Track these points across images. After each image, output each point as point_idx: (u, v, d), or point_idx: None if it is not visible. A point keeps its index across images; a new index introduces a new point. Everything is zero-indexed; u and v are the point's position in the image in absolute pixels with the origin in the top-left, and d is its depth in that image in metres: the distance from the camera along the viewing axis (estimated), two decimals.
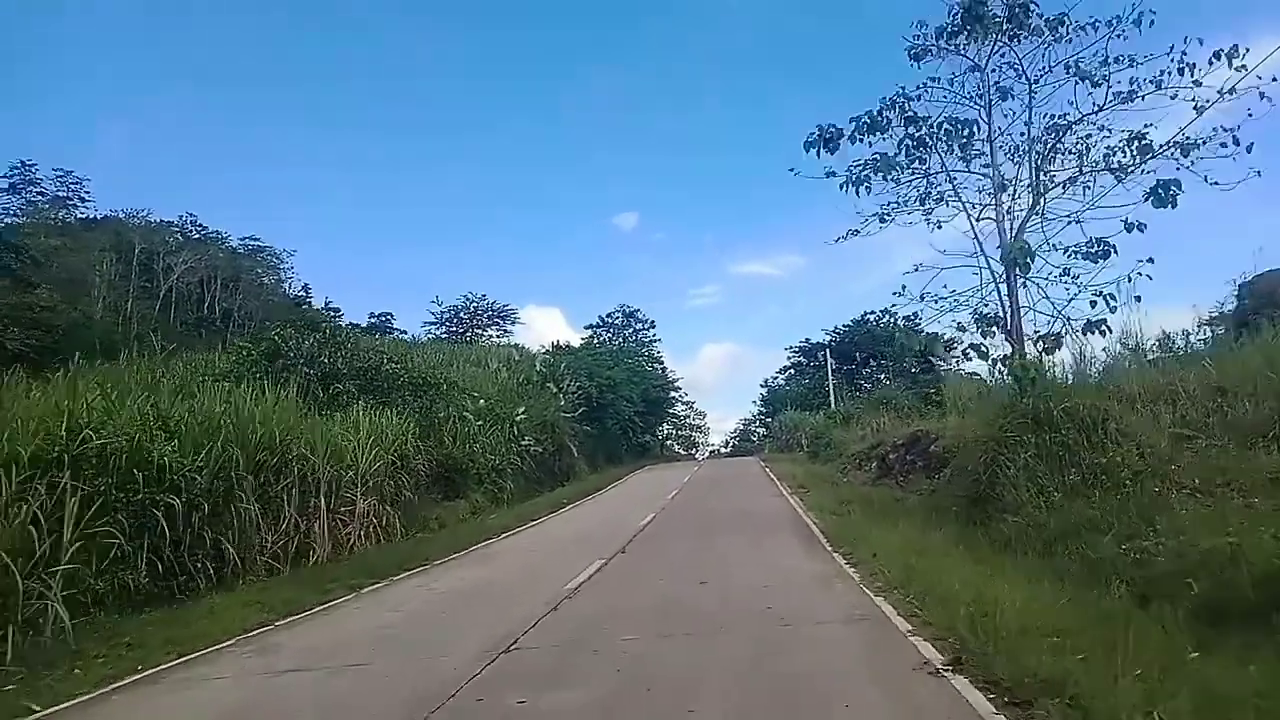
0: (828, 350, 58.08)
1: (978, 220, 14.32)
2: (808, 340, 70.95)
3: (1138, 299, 13.02)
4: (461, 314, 48.47)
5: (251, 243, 44.73)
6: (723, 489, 25.01)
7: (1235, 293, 18.73)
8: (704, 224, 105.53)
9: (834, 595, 8.71)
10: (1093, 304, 12.85)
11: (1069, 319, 13.19)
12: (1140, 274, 12.48)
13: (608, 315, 70.36)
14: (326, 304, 47.08)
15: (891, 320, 60.12)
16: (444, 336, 47.10)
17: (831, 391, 53.67)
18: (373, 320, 48.28)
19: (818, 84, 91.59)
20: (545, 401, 35.21)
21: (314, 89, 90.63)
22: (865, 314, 68.64)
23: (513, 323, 49.68)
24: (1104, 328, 12.92)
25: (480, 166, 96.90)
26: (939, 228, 14.88)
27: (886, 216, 14.90)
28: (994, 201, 14.23)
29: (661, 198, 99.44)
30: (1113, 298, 12.67)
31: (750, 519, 16.25)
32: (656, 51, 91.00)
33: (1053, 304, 13.43)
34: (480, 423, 28.62)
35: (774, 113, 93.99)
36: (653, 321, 71.78)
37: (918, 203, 14.88)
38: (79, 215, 40.50)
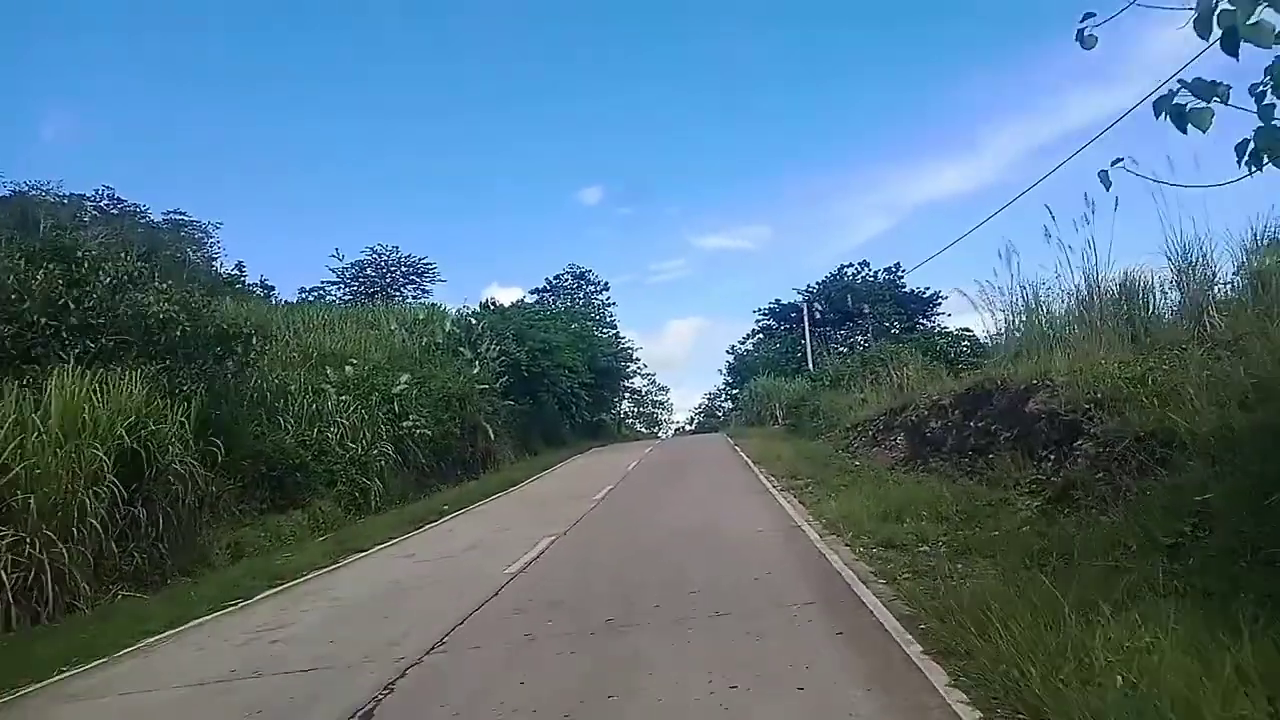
0: (806, 306, 50.59)
1: None
2: (778, 301, 63.66)
3: None
4: (368, 270, 40.29)
5: (175, 217, 36.53)
6: (678, 482, 17.38)
7: None
8: (669, 197, 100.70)
9: None
10: None
11: None
12: None
13: (555, 278, 62.31)
14: (261, 281, 38.79)
15: (872, 273, 51.95)
16: (345, 299, 38.76)
17: (809, 352, 46.35)
18: (241, 282, 39.39)
19: (777, 37, 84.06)
20: (452, 371, 27.26)
21: (293, 83, 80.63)
22: (842, 267, 61.82)
23: (433, 280, 41.66)
24: None
25: (430, 149, 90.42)
26: None
27: None
28: None
29: (626, 171, 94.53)
30: None
31: (723, 560, 8.50)
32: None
33: None
34: (345, 398, 20.76)
35: (737, 79, 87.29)
36: (606, 283, 63.85)
37: None
38: None
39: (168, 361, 14.89)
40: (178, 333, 14.75)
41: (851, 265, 61.00)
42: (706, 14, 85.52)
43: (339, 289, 40.30)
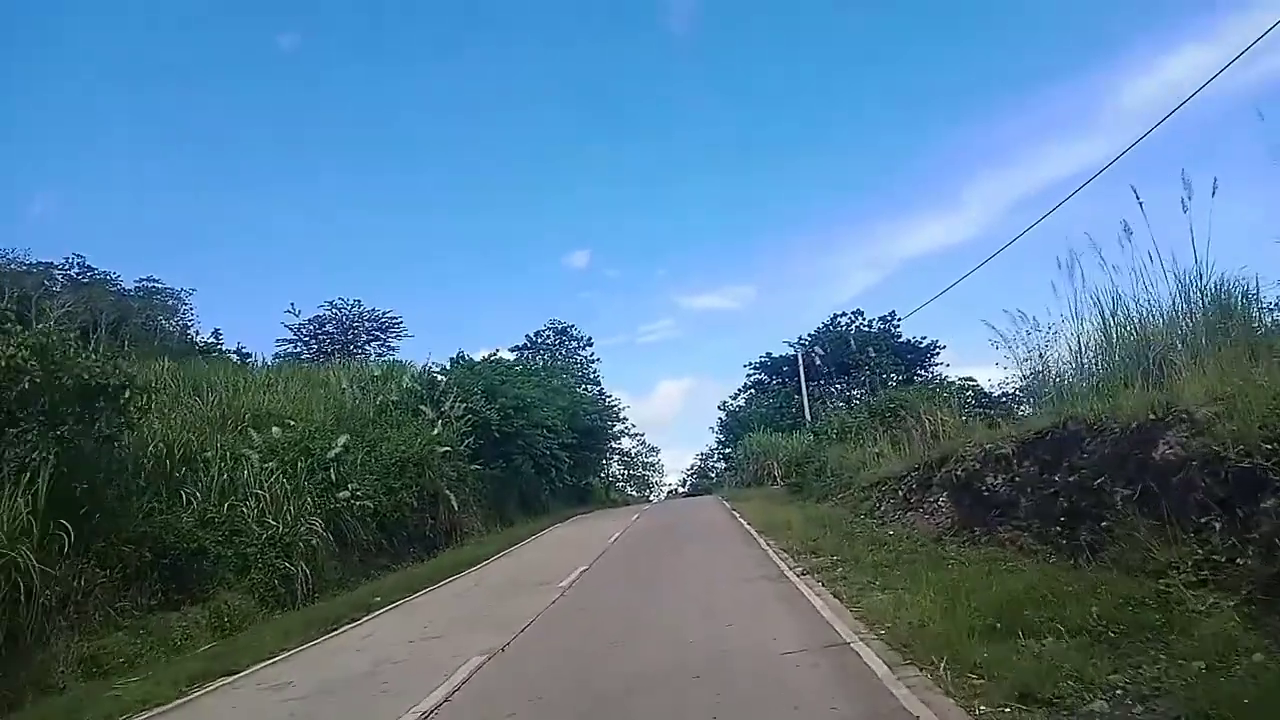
0: (801, 356, 47.75)
1: None
2: (769, 354, 60.88)
3: None
4: (327, 326, 37.18)
5: (148, 284, 35.62)
6: (665, 562, 13.97)
7: None
8: (656, 258, 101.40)
9: None
10: None
11: None
12: None
13: (535, 334, 59.35)
14: (239, 348, 36.26)
15: (867, 322, 49.11)
16: (304, 357, 35.52)
17: (806, 405, 43.30)
18: (218, 349, 36.64)
19: (753, 101, 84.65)
20: (410, 433, 24.02)
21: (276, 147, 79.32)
22: (835, 316, 59.22)
23: (399, 336, 38.49)
24: None
25: (419, 212, 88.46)
26: None
27: None
28: None
29: (613, 234, 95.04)
30: None
31: None
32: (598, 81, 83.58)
33: None
34: (270, 465, 17.58)
35: (718, 141, 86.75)
36: (589, 339, 60.90)
37: None
38: None
39: (21, 424, 11.78)
40: (25, 385, 11.58)
41: (845, 314, 58.48)
42: (685, 79, 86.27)
43: (295, 347, 37.14)
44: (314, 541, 16.62)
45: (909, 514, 12.86)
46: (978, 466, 11.15)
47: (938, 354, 56.58)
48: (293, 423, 20.47)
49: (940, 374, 51.05)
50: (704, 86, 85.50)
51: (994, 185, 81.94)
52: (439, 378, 29.30)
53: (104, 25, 68.69)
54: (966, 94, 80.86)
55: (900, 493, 14.20)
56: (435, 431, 24.63)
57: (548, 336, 59.81)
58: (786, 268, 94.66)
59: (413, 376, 28.59)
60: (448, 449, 25.03)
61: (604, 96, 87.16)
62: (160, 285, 35.92)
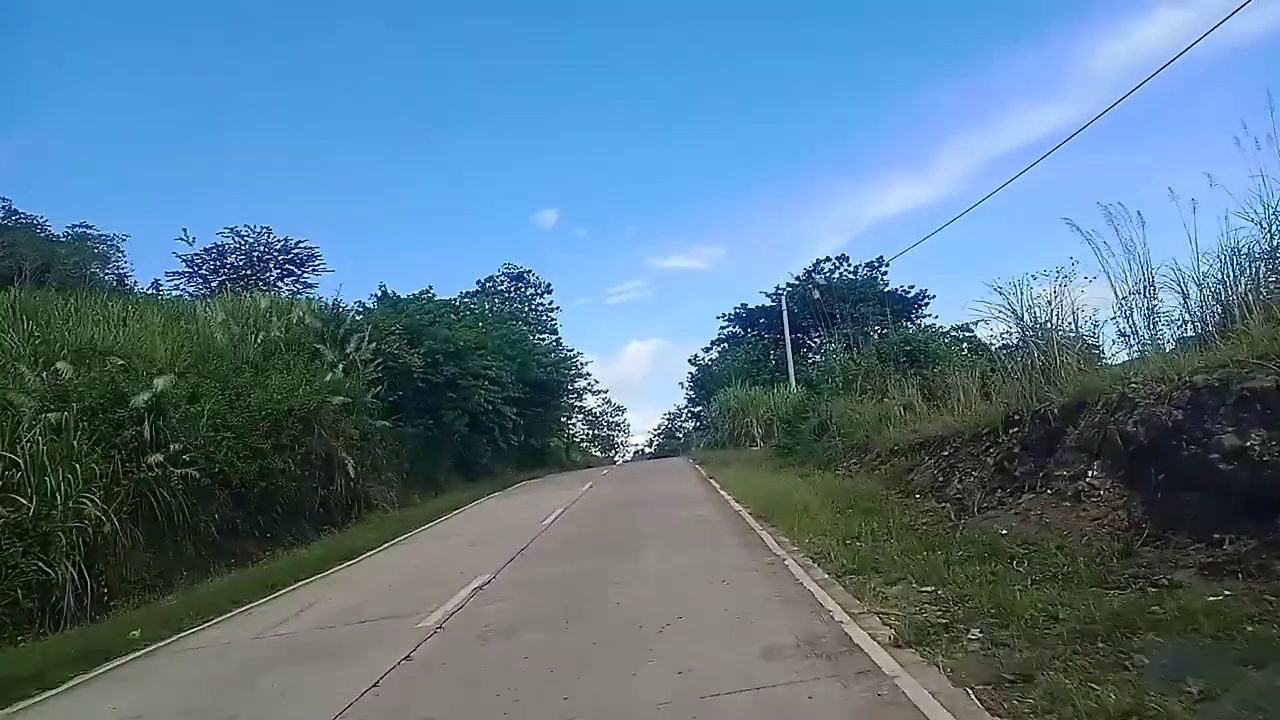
0: (784, 301, 42.80)
1: None
2: (744, 305, 55.74)
3: None
4: (231, 258, 31.10)
5: (79, 229, 31.45)
6: (612, 569, 8.74)
7: None
8: (625, 217, 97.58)
9: None
10: None
11: None
12: None
13: (487, 279, 53.34)
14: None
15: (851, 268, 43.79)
16: (190, 292, 29.53)
17: (790, 355, 38.38)
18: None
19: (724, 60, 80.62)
20: (296, 379, 18.56)
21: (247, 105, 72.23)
22: (818, 262, 54.03)
23: (315, 270, 32.53)
24: None
25: (389, 169, 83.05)
26: None
27: None
28: None
29: (582, 192, 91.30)
30: None
31: None
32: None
33: None
34: (51, 416, 12.17)
35: (688, 98, 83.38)
36: (549, 284, 55.06)
37: None
38: None
39: None
40: None
41: (829, 260, 53.31)
42: (654, 33, 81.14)
43: (189, 281, 31.04)
44: (105, 528, 11.30)
45: (1021, 497, 7.76)
46: (1181, 416, 6.01)
47: (927, 304, 51.86)
48: (120, 360, 14.86)
49: (931, 325, 46.49)
50: (676, 44, 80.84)
51: (963, 148, 79.41)
52: (345, 313, 23.65)
53: None
54: (936, 55, 76.77)
55: (991, 459, 9.07)
56: (328, 378, 19.11)
57: (501, 282, 53.93)
58: (757, 229, 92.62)
59: (312, 310, 22.88)
60: (347, 400, 19.58)
61: (574, 55, 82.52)
62: (92, 231, 31.40)
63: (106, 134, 67.41)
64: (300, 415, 17.77)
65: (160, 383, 12.88)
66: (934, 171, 78.32)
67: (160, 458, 12.17)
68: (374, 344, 22.06)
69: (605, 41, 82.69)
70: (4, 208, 30.60)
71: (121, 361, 14.69)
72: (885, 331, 45.17)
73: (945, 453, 10.56)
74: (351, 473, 18.72)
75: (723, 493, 15.96)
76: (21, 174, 59.72)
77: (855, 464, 15.58)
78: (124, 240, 31.39)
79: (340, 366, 20.74)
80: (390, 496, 21.96)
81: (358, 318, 25.07)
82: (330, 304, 24.40)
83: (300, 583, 11.05)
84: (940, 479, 10.05)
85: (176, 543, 13.43)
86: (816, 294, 43.57)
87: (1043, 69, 68.14)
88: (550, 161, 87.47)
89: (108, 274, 32.33)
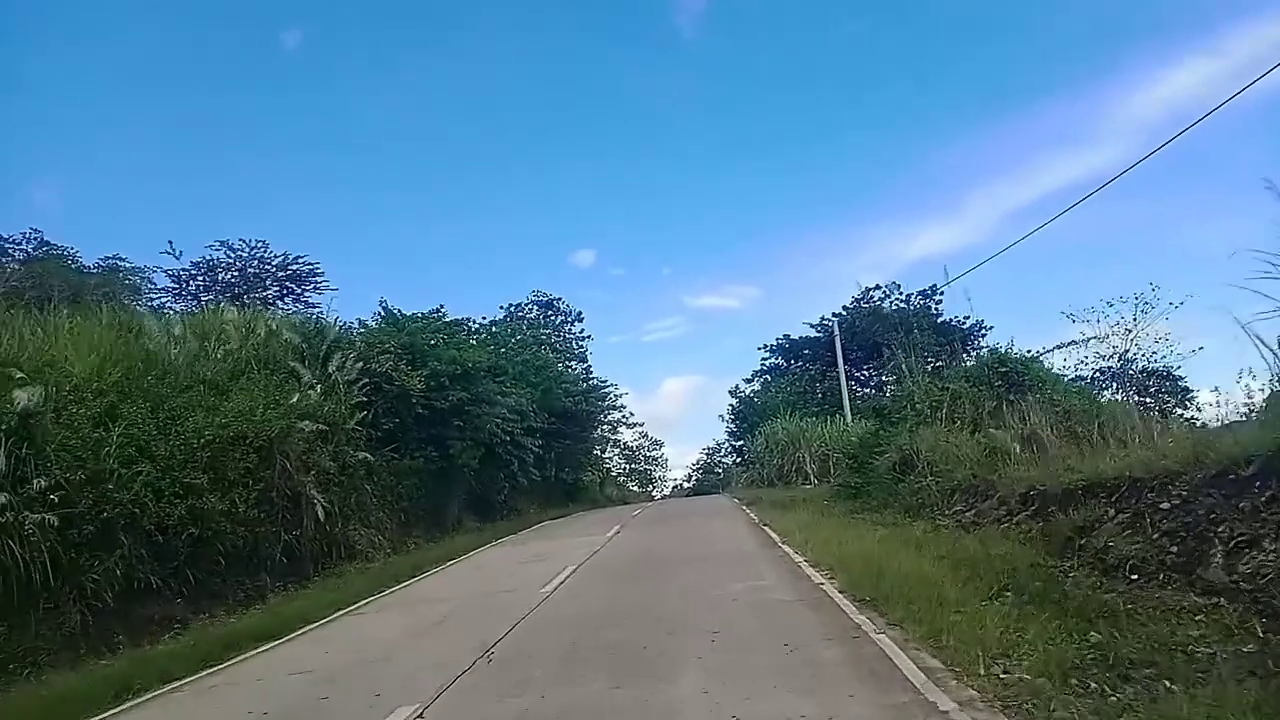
0: (836, 327, 38.92)
1: None
2: (787, 336, 51.63)
3: None
4: (225, 275, 28.18)
5: (111, 261, 29.59)
6: None
7: None
8: (661, 257, 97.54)
9: None
10: None
11: None
12: None
13: (514, 306, 50.06)
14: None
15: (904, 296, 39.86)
16: (179, 311, 26.60)
17: (844, 383, 34.41)
18: None
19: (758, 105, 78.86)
20: (256, 400, 15.25)
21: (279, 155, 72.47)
22: (867, 290, 49.81)
23: (318, 289, 29.48)
24: None
25: (427, 209, 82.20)
26: None
27: None
28: None
29: (618, 233, 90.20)
30: None
31: None
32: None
33: None
34: None
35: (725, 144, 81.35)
36: (579, 313, 51.64)
37: None
38: None
39: None
40: None
41: (879, 288, 49.05)
42: (691, 83, 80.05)
43: (175, 299, 28.13)
44: None
45: None
46: None
47: (984, 334, 47.41)
48: (20, 373, 11.57)
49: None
50: (710, 90, 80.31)
51: (994, 193, 79.49)
52: (329, 327, 20.30)
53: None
54: (970, 103, 75.95)
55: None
56: (295, 399, 15.69)
57: (530, 309, 50.63)
58: (791, 269, 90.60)
59: (291, 325, 19.57)
60: (322, 426, 16.16)
61: (607, 99, 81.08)
62: (124, 264, 29.45)
63: (120, 158, 66.11)
64: (255, 444, 14.38)
65: (24, 397, 9.46)
66: (966, 216, 77.62)
67: (3, 498, 8.69)
68: (361, 363, 18.64)
69: (636, 92, 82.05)
70: (36, 239, 29.57)
71: (21, 375, 11.43)
72: (941, 364, 40.90)
73: (1163, 504, 6.64)
74: (321, 514, 15.20)
75: (784, 546, 12.08)
76: (55, 208, 58.99)
77: (965, 512, 11.64)
78: (154, 272, 29.26)
79: (318, 387, 17.35)
80: (380, 541, 18.43)
81: (329, 328, 21.73)
82: (314, 318, 21.06)
83: (143, 696, 7.38)
84: (1174, 548, 6.15)
85: (54, 609, 10.03)
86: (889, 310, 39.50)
87: (1075, 118, 68.09)
88: (588, 203, 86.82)
89: (141, 305, 30.62)
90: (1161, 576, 6.05)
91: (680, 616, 7.56)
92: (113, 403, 12.96)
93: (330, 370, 18.11)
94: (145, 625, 11.60)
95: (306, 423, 15.57)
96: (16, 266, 29.42)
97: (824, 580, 8.54)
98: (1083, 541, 7.49)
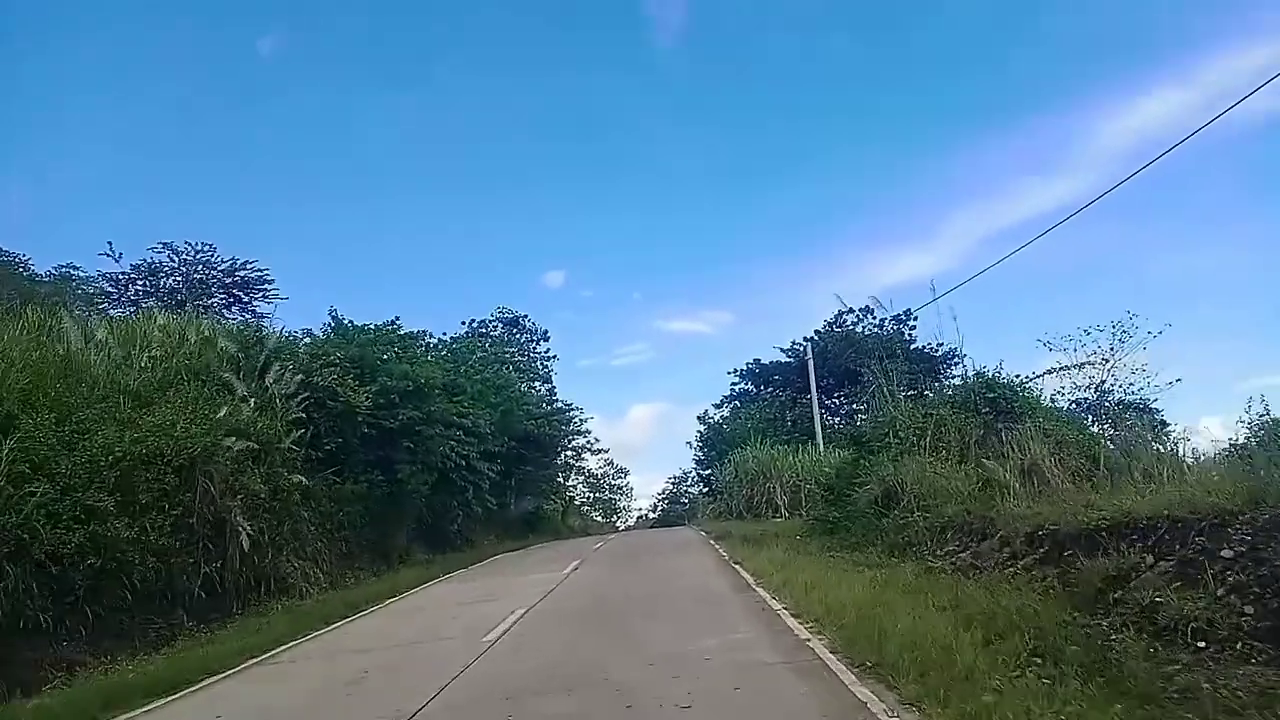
0: (810, 349, 38.12)
1: None
2: (757, 361, 50.65)
3: None
4: (168, 280, 26.40)
5: (64, 270, 28.00)
6: None
7: None
8: (632, 280, 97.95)
9: None
10: None
11: None
12: None
13: (478, 323, 48.45)
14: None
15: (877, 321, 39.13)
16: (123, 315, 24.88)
17: (817, 410, 33.48)
18: None
19: (730, 130, 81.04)
20: (175, 415, 13.75)
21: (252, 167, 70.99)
22: (839, 314, 48.97)
23: (266, 297, 27.79)
24: None
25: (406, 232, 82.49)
26: None
27: None
28: None
29: (589, 255, 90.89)
30: None
31: None
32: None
33: None
34: None
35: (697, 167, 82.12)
36: (545, 331, 50.23)
37: None
38: None
39: None
40: None
41: (851, 312, 48.26)
42: (667, 104, 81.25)
43: (116, 304, 26.24)
44: None
45: None
46: None
47: (958, 363, 46.77)
48: None
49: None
50: (682, 114, 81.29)
51: (967, 219, 79.77)
52: (268, 336, 18.77)
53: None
54: (943, 129, 77.21)
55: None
56: (222, 413, 14.18)
57: (495, 326, 49.12)
58: (762, 294, 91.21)
59: (227, 333, 18.04)
60: (253, 445, 14.66)
61: (581, 119, 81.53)
62: (78, 273, 27.89)
63: (77, 165, 63.97)
64: (174, 463, 12.87)
65: None
66: (939, 242, 77.46)
67: None
68: (301, 375, 17.16)
69: (611, 113, 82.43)
70: None
71: None
72: (914, 393, 40.13)
73: (1222, 551, 5.53)
74: (245, 544, 13.66)
75: (759, 590, 10.84)
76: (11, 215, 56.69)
77: (959, 552, 10.52)
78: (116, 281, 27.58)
79: (252, 401, 15.86)
80: (315, 575, 16.86)
81: (297, 344, 20.26)
82: (253, 326, 19.54)
83: None
84: (1248, 608, 5.03)
85: None
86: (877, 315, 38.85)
87: (1045, 146, 69.61)
88: (559, 225, 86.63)
89: (92, 315, 28.93)
90: (1240, 645, 4.92)
91: (642, 682, 6.24)
92: (10, 412, 11.48)
93: (268, 383, 16.61)
94: (32, 670, 10.07)
95: (234, 440, 14.08)
96: None
97: (810, 636, 7.28)
98: (1117, 594, 6.36)
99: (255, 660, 9.41)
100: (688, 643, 7.56)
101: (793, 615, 8.43)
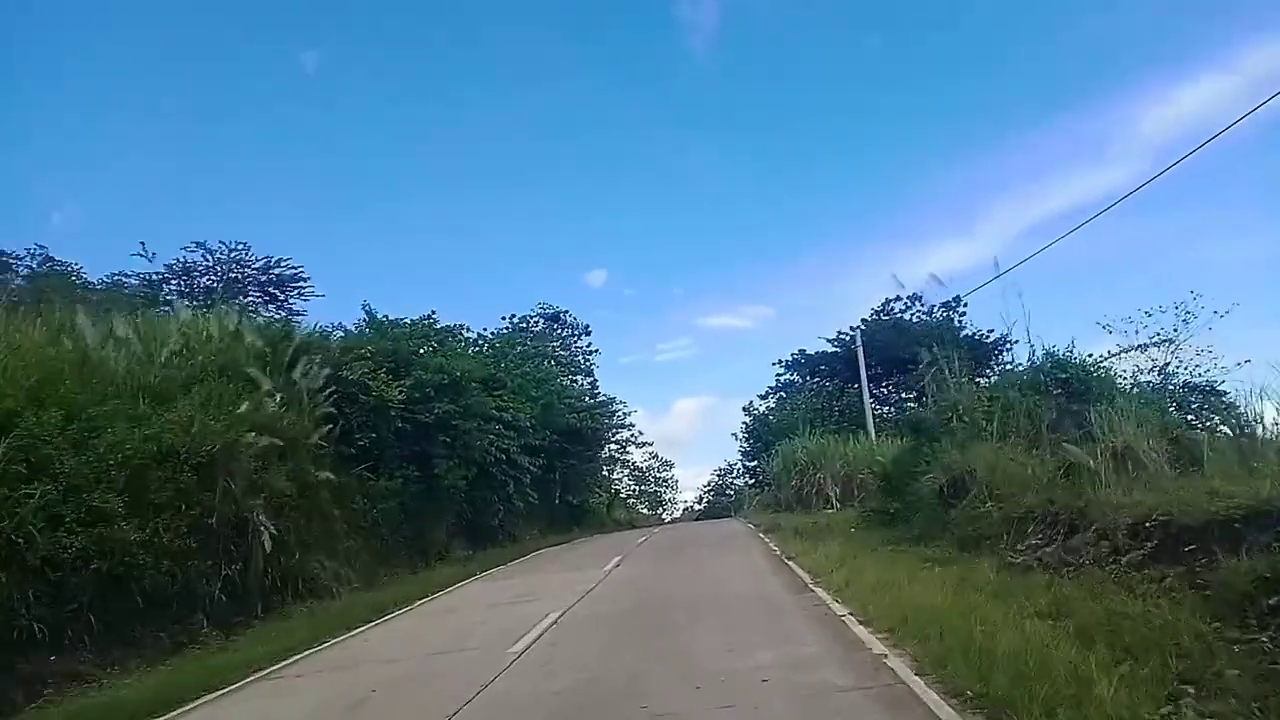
0: (859, 338, 36.70)
1: None
2: (802, 351, 49.30)
3: None
4: (203, 279, 26.22)
5: (118, 278, 27.51)
6: None
7: None
8: (673, 278, 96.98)
9: None
10: None
11: None
12: None
13: (518, 319, 47.73)
14: None
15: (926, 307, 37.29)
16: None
17: (867, 397, 32.11)
18: None
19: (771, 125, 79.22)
20: (193, 412, 13.12)
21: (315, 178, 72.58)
22: (887, 302, 47.31)
23: (301, 295, 27.45)
24: None
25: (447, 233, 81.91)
26: None
27: None
28: None
29: (631, 253, 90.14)
30: None
31: None
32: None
33: None
34: None
35: (736, 164, 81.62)
36: (587, 326, 49.43)
37: None
38: None
39: None
40: None
41: (900, 299, 46.48)
42: (703, 103, 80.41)
43: (149, 306, 26.07)
44: None
45: None
46: None
47: (1009, 348, 44.79)
48: None
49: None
50: (721, 117, 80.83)
51: (1008, 211, 77.93)
52: (297, 330, 18.17)
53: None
54: (982, 121, 75.81)
55: None
56: (244, 408, 13.52)
57: (536, 322, 48.34)
58: (803, 289, 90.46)
59: (254, 328, 17.45)
60: (277, 442, 13.98)
61: (617, 120, 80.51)
62: (130, 279, 27.59)
63: (130, 175, 65.03)
64: (191, 461, 12.21)
65: None
66: (979, 234, 75.80)
67: None
68: (329, 368, 16.47)
69: (653, 113, 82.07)
70: (41, 255, 28.23)
71: None
72: (966, 379, 38.32)
73: None
74: (267, 544, 12.97)
75: (818, 591, 9.74)
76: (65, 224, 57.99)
77: (1044, 546, 9.30)
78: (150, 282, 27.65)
79: (279, 396, 15.20)
80: (347, 574, 16.19)
81: (328, 339, 19.64)
82: (282, 320, 18.96)
83: None
84: None
85: None
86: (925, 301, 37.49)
87: (1087, 136, 66.07)
88: (600, 225, 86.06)
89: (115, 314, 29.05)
90: None
91: (687, 713, 5.23)
92: (10, 409, 10.87)
93: (295, 377, 15.95)
94: (28, 684, 9.44)
95: (257, 436, 13.40)
96: (20, 282, 28.51)
97: (887, 650, 6.18)
98: (1272, 601, 5.15)
99: (261, 674, 8.61)
100: (740, 658, 6.51)
101: (861, 623, 7.33)
